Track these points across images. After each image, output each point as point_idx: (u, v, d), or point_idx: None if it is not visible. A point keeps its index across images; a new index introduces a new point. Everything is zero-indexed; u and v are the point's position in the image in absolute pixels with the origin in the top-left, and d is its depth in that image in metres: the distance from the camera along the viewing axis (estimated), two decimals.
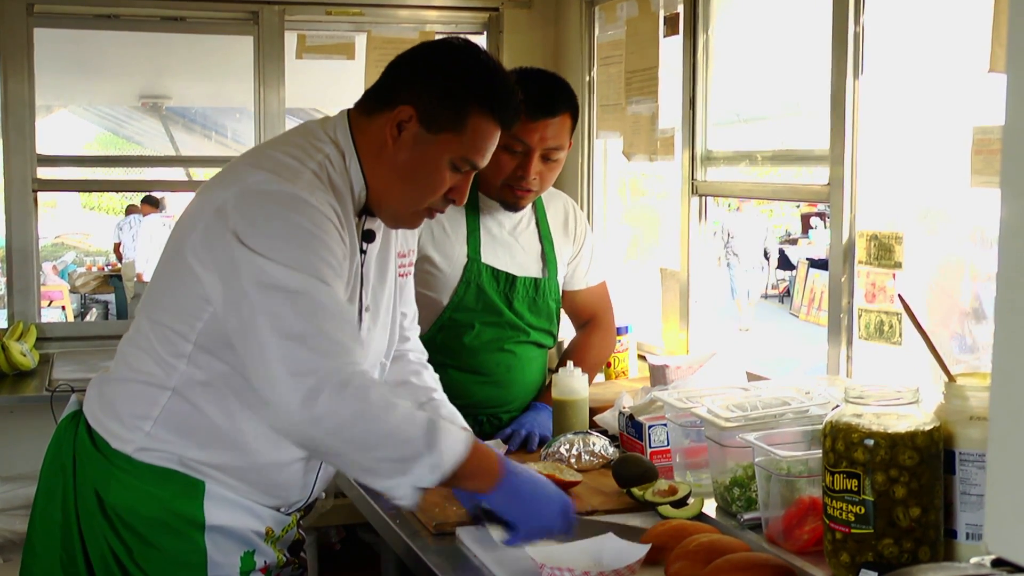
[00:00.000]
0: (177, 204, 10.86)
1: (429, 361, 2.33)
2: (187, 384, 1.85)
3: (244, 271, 1.72)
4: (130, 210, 11.52)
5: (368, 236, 1.95)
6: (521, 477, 1.86)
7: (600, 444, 2.44)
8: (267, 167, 1.82)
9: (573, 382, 2.61)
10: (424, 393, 2.23)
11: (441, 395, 2.26)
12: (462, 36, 1.97)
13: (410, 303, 2.26)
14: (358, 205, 1.91)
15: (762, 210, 13.36)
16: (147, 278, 9.78)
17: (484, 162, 1.92)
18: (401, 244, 2.12)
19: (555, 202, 2.85)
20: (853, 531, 1.70)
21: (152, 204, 10.83)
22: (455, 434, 1.78)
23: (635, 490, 2.17)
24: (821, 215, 14.56)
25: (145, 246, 10.22)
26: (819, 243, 13.89)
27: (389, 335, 2.11)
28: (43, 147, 4.20)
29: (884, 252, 2.64)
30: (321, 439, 1.71)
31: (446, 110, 1.85)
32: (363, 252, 1.95)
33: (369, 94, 1.94)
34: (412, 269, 2.20)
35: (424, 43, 1.96)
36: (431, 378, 2.29)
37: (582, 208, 3.52)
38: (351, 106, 1.97)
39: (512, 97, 1.90)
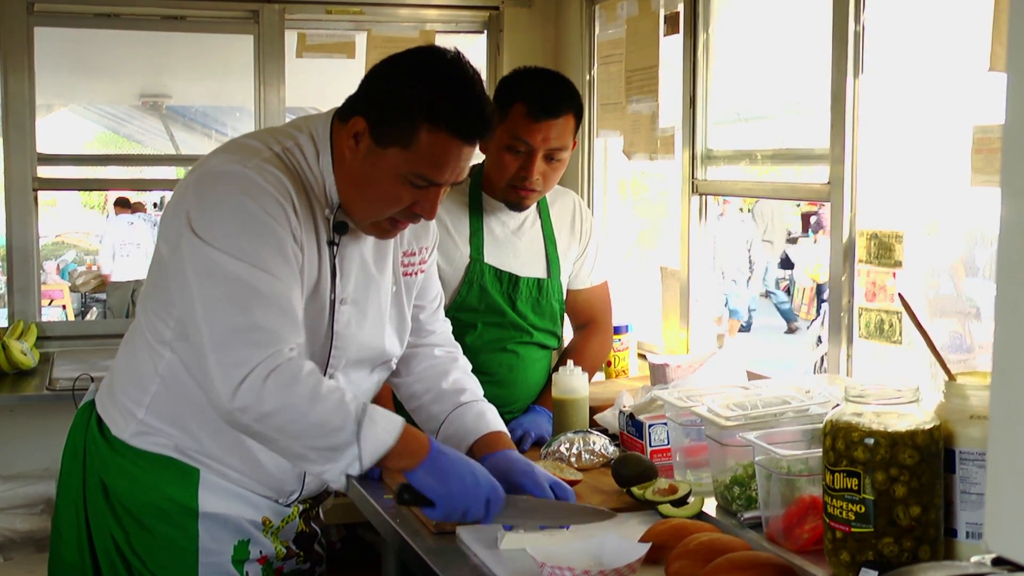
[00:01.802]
0: None
1: None
2: (172, 371, 1.88)
3: (188, 256, 1.76)
4: (135, 208, 11.52)
5: (340, 227, 1.92)
6: (449, 457, 1.86)
7: (600, 443, 2.44)
8: (229, 149, 1.88)
9: (573, 381, 2.61)
10: (451, 400, 2.18)
11: (471, 395, 2.20)
12: (440, 46, 1.88)
13: (429, 297, 2.22)
14: (330, 200, 1.90)
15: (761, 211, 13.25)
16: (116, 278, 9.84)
17: (447, 177, 1.84)
18: (409, 243, 2.11)
19: (562, 200, 2.84)
20: (853, 530, 1.70)
21: (123, 205, 10.74)
22: (384, 422, 1.79)
23: (635, 489, 2.17)
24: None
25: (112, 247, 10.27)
26: (819, 242, 13.84)
27: (395, 333, 2.09)
28: (43, 146, 4.21)
29: (884, 251, 2.64)
30: (250, 427, 1.74)
31: (394, 124, 1.80)
32: (335, 244, 1.92)
33: (346, 100, 1.92)
34: (425, 267, 2.17)
35: (394, 54, 1.88)
36: (460, 377, 2.22)
37: None
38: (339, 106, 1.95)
39: (474, 110, 1.82)
